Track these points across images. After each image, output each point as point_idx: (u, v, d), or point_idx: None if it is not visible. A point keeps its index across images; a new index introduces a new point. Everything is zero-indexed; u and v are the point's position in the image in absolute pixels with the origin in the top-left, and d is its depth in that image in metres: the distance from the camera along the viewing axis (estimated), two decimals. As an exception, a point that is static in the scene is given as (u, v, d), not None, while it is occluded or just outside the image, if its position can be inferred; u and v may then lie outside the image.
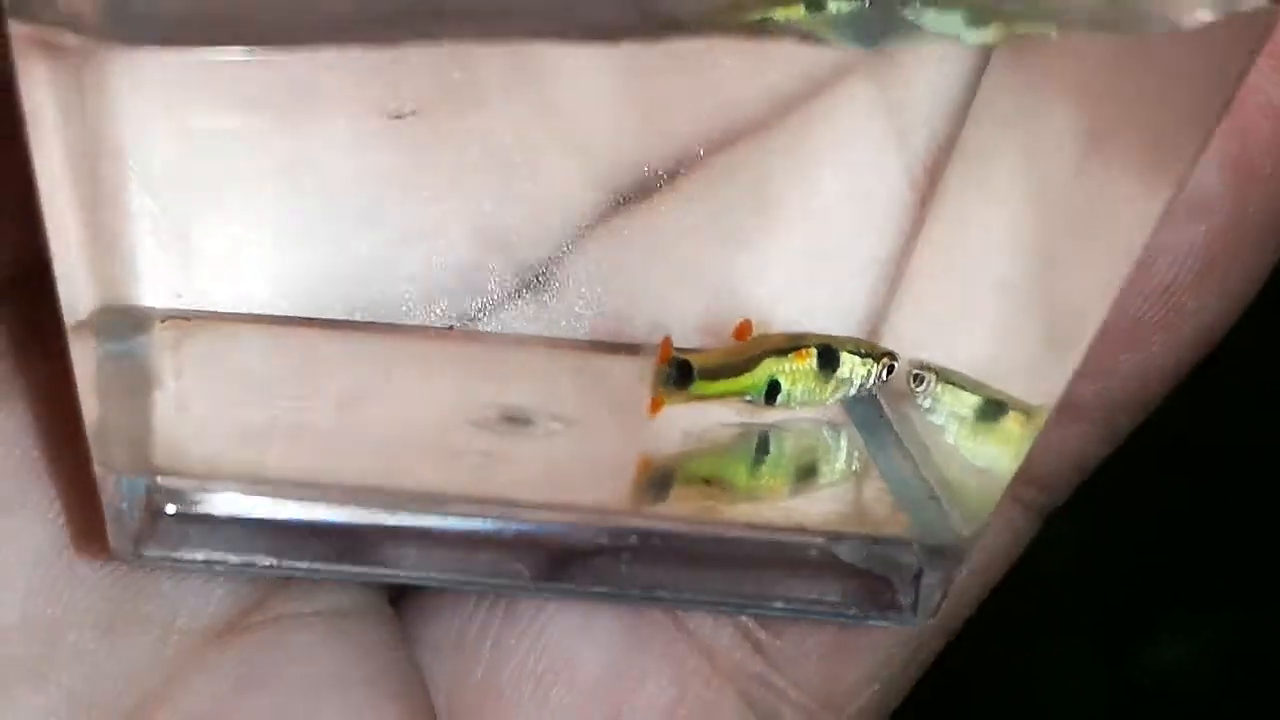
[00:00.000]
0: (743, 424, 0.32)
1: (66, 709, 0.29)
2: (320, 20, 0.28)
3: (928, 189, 0.32)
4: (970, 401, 0.31)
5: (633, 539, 0.28)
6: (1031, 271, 0.30)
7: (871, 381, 0.32)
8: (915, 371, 0.31)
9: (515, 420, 0.31)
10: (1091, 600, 0.68)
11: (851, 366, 0.31)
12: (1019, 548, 0.33)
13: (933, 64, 0.31)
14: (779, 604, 0.29)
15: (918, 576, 0.29)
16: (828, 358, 0.31)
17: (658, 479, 0.31)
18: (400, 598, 0.32)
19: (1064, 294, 0.29)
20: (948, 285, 0.32)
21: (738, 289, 0.32)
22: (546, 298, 0.32)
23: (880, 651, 0.33)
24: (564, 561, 0.28)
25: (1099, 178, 0.28)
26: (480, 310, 0.32)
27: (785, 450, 0.32)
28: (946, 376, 0.31)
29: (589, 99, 0.30)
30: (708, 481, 0.31)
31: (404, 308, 0.31)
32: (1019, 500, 0.32)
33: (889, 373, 0.32)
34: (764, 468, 0.32)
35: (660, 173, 0.31)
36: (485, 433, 0.30)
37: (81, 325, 0.26)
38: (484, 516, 0.28)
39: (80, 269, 0.26)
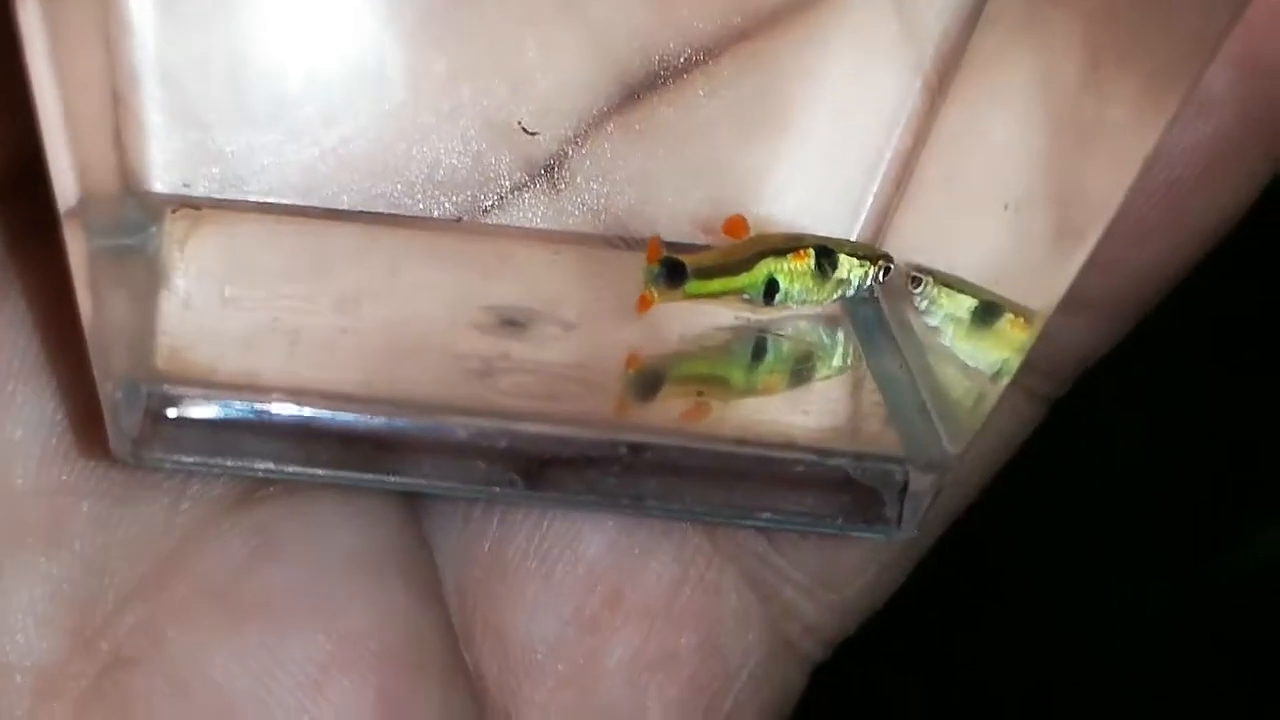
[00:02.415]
0: (740, 324, 0.32)
1: (81, 574, 0.30)
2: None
3: (938, 92, 0.32)
4: (966, 304, 0.31)
5: (623, 450, 0.29)
6: (1037, 178, 0.29)
7: (868, 283, 0.32)
8: (913, 274, 0.32)
9: (514, 324, 0.31)
10: (1164, 504, 0.68)
11: (849, 268, 0.32)
12: (1023, 433, 0.34)
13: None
14: (766, 515, 0.29)
15: (904, 489, 0.29)
16: (826, 258, 0.31)
17: (648, 377, 0.31)
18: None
19: (1068, 201, 0.29)
20: (954, 189, 0.32)
21: (745, 186, 0.33)
22: (556, 190, 0.32)
23: None
24: (555, 470, 0.29)
25: (1107, 86, 0.28)
26: (489, 203, 0.32)
27: (782, 351, 0.32)
28: (944, 279, 0.31)
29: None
30: (702, 380, 0.32)
31: (412, 199, 0.32)
32: (1022, 387, 0.32)
33: (885, 274, 0.32)
34: (761, 368, 0.32)
35: (672, 66, 0.31)
36: (483, 336, 0.31)
37: (75, 215, 0.26)
38: (478, 423, 0.29)
39: (71, 151, 0.26)
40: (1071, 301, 0.29)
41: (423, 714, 0.30)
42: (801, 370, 0.32)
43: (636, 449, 0.29)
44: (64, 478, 0.30)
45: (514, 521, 0.33)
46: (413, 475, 0.29)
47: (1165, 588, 0.68)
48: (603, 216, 0.32)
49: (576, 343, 0.31)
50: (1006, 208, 0.29)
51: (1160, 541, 0.68)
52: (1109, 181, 0.27)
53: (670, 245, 0.31)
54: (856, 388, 0.31)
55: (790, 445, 0.29)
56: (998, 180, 0.30)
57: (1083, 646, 0.68)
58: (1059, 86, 0.29)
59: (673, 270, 0.30)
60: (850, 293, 0.32)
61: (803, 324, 0.33)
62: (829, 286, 0.32)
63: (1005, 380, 0.28)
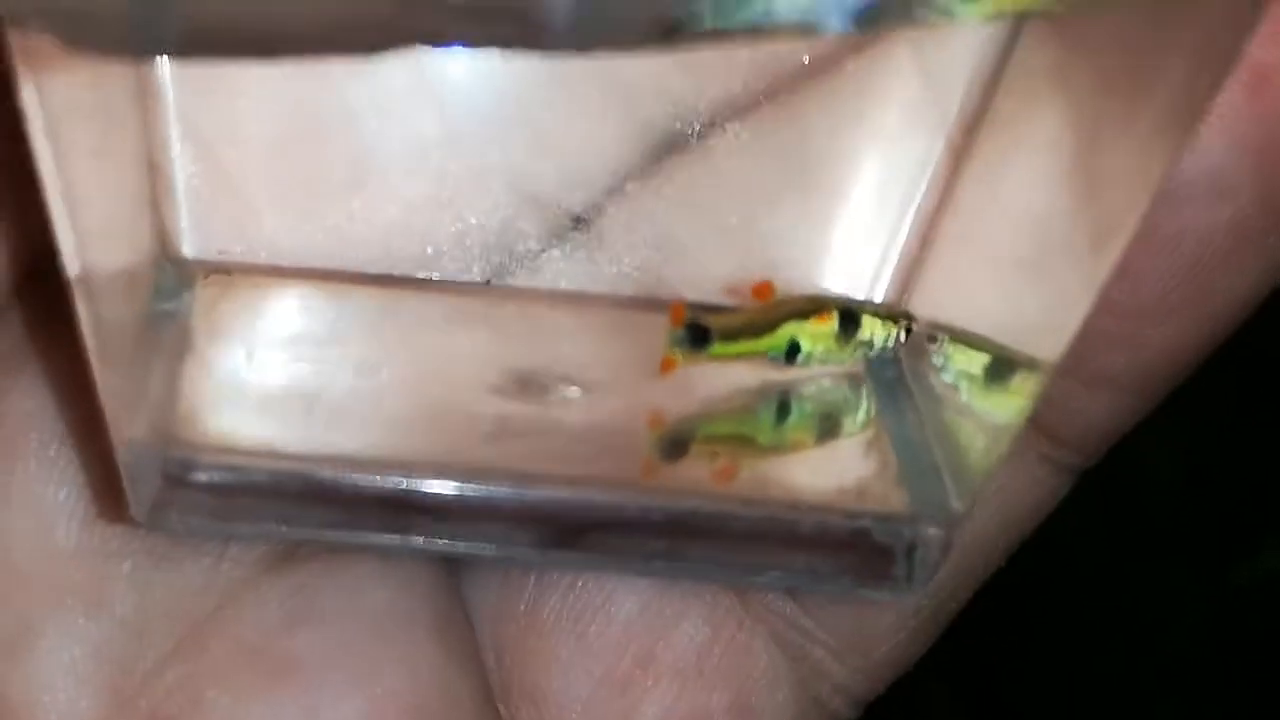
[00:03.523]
0: (762, 384, 0.32)
1: (121, 634, 0.30)
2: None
3: (961, 151, 0.32)
4: (980, 360, 0.31)
5: (631, 513, 0.29)
6: (1054, 233, 0.29)
7: (891, 343, 0.32)
8: (930, 333, 0.32)
9: (534, 386, 0.31)
10: (1192, 514, 0.67)
11: (872, 329, 0.32)
12: (1049, 504, 0.34)
13: (968, 30, 0.30)
14: (774, 574, 0.30)
15: (911, 549, 0.29)
16: (849, 320, 0.32)
17: (673, 439, 0.32)
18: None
19: (1081, 252, 0.29)
20: (975, 246, 0.32)
21: (769, 246, 0.33)
22: (582, 252, 0.32)
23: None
24: (568, 533, 0.29)
25: (1116, 139, 0.28)
26: (516, 266, 0.32)
27: (806, 410, 0.32)
28: (959, 336, 0.31)
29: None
30: (726, 441, 0.32)
31: (440, 264, 0.32)
32: (1049, 459, 0.32)
33: (908, 334, 0.32)
34: (785, 427, 0.32)
35: (697, 126, 0.31)
36: (503, 400, 0.31)
37: (82, 281, 0.26)
38: (494, 487, 0.29)
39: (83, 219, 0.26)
40: (1096, 378, 0.29)
41: None
42: (825, 428, 0.33)
43: (644, 511, 0.29)
44: (106, 539, 0.30)
45: (549, 582, 0.33)
46: (431, 537, 0.29)
47: (1193, 606, 0.68)
48: (629, 278, 0.32)
49: (596, 405, 0.31)
50: (1018, 266, 0.29)
51: (1187, 557, 0.67)
52: (1115, 229, 0.27)
53: (693, 305, 0.31)
54: (870, 447, 0.32)
55: (798, 505, 0.29)
56: (1017, 236, 0.30)
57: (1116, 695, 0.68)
58: (1075, 143, 0.29)
59: (697, 333, 0.31)
60: (872, 353, 0.32)
61: (825, 382, 0.33)
62: (851, 347, 0.32)
63: (1012, 434, 0.28)
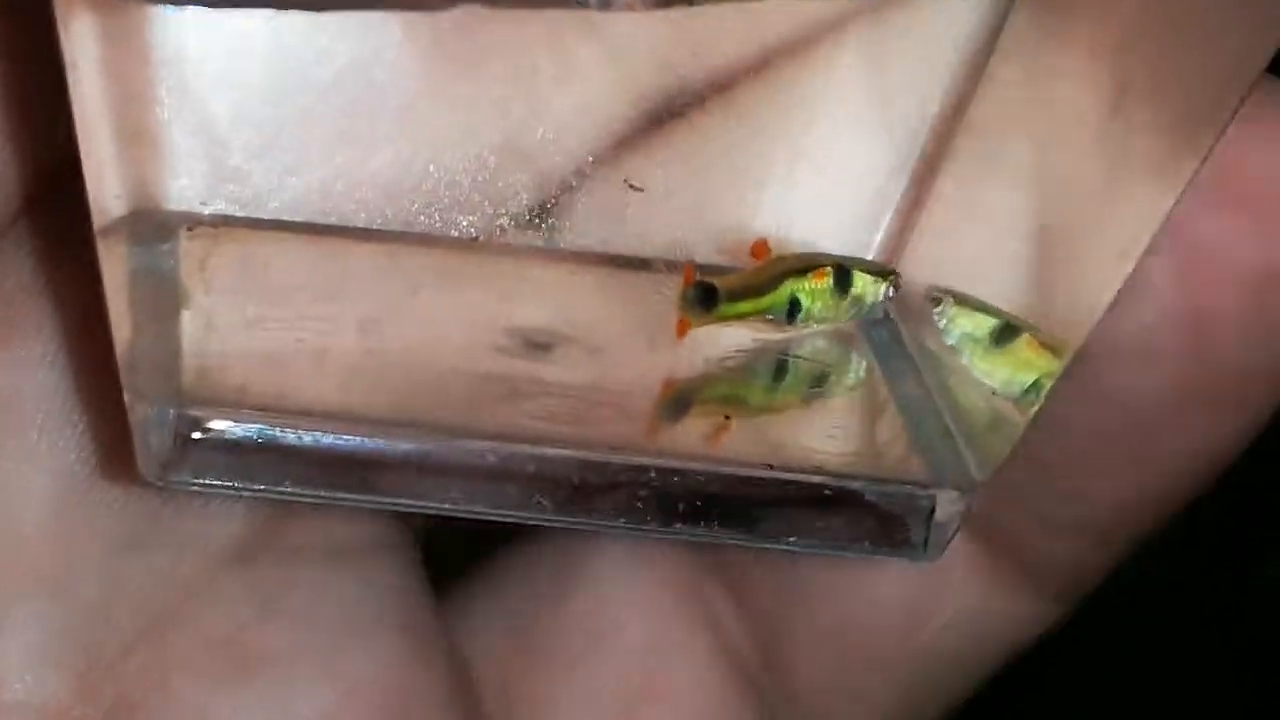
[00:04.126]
0: (761, 345, 0.32)
1: (84, 621, 0.30)
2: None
3: (954, 117, 0.32)
4: (985, 324, 0.31)
5: (651, 474, 0.29)
6: (1054, 207, 0.30)
7: (881, 298, 0.32)
8: (933, 295, 0.32)
9: (538, 346, 0.31)
10: (1207, 516, 0.68)
11: (864, 284, 0.32)
12: (1033, 634, 0.35)
13: None
14: (792, 539, 0.29)
15: (930, 514, 0.30)
16: (843, 276, 0.32)
17: (677, 400, 0.32)
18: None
19: (1090, 233, 0.29)
20: (969, 215, 0.32)
21: (757, 214, 0.33)
22: (573, 210, 0.32)
23: None
24: (583, 494, 0.29)
25: (1135, 116, 0.28)
26: (506, 222, 0.32)
27: (801, 371, 0.33)
28: (962, 298, 0.32)
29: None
30: (726, 402, 0.32)
31: (429, 219, 0.32)
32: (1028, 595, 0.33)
33: (895, 290, 0.32)
34: (781, 387, 0.33)
35: (691, 90, 0.31)
36: (508, 359, 0.31)
37: (111, 233, 0.26)
38: (505, 447, 0.29)
39: (112, 169, 0.26)
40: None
41: None
42: (819, 388, 0.33)
43: (664, 473, 0.29)
44: (73, 525, 0.30)
45: (552, 617, 0.34)
46: (440, 500, 0.29)
47: (1210, 609, 0.69)
48: (620, 238, 0.32)
49: (602, 366, 0.31)
50: (1027, 238, 0.30)
51: (1202, 559, 0.68)
52: (1135, 217, 0.27)
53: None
54: (879, 412, 0.32)
55: (817, 470, 0.29)
56: (1013, 207, 0.31)
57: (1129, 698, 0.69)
58: (1081, 114, 0.29)
59: (706, 294, 0.30)
60: (864, 310, 0.32)
61: (820, 342, 0.33)
62: (846, 304, 0.32)
63: (1035, 406, 0.29)
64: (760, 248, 0.31)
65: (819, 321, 0.32)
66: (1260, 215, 0.27)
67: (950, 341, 0.31)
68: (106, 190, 0.25)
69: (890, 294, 0.32)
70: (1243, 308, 0.28)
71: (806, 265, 0.32)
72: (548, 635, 0.34)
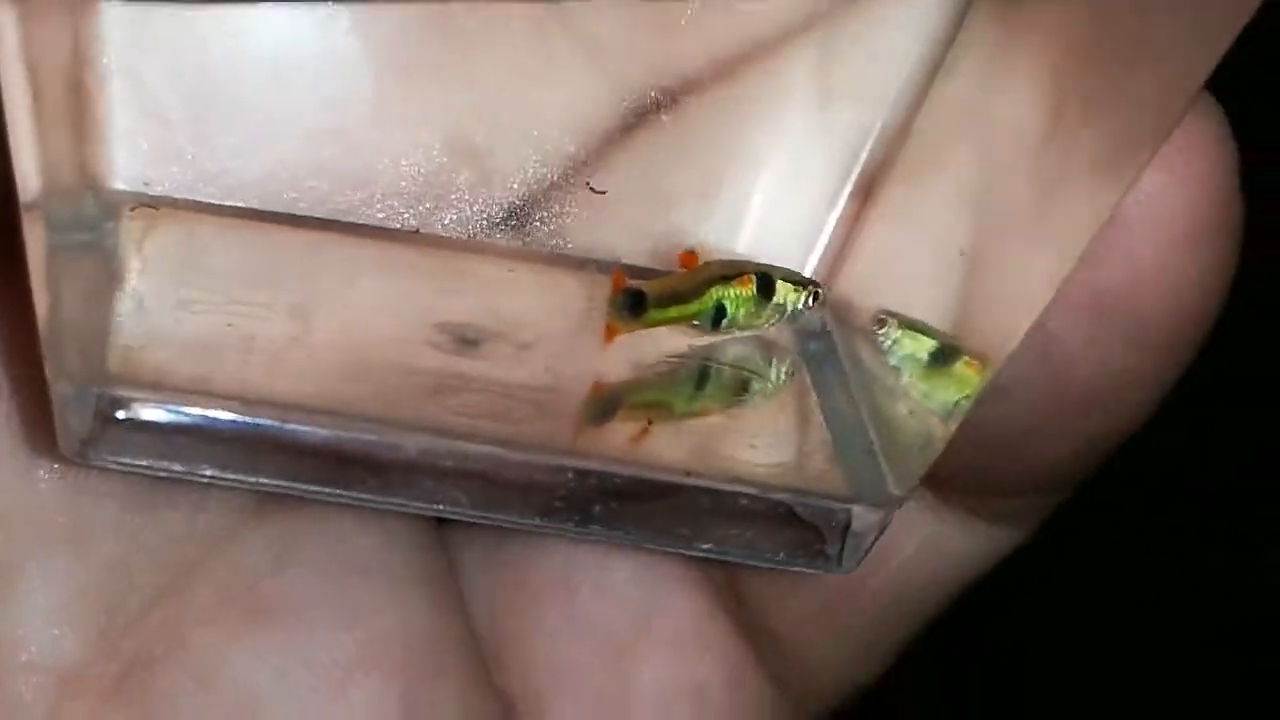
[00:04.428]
0: (687, 351, 0.33)
1: (104, 578, 0.30)
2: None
3: (898, 135, 0.32)
4: (927, 345, 0.31)
5: (569, 475, 0.29)
6: (993, 228, 0.30)
7: (801, 307, 0.32)
8: (879, 316, 0.32)
9: (468, 342, 0.31)
10: (1198, 509, 0.68)
11: (785, 293, 0.32)
12: (991, 559, 0.35)
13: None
14: (706, 546, 0.30)
15: (846, 528, 0.30)
16: (765, 284, 0.32)
17: (605, 403, 0.32)
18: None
19: (1022, 254, 0.29)
20: (908, 232, 0.32)
21: (694, 224, 0.33)
22: (516, 209, 0.32)
23: None
24: (501, 490, 0.29)
25: (1072, 138, 0.28)
26: (450, 218, 0.32)
27: (724, 379, 0.33)
28: (907, 321, 0.32)
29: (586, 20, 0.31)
30: (650, 406, 0.32)
31: (371, 209, 0.32)
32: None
33: (815, 299, 0.32)
34: (703, 395, 0.33)
35: (640, 101, 0.31)
36: (438, 353, 0.31)
37: (34, 209, 0.26)
38: (427, 440, 0.29)
39: (37, 147, 0.26)
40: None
41: (444, 717, 0.31)
42: (742, 396, 0.33)
43: (581, 475, 0.29)
44: (88, 481, 0.30)
45: (541, 550, 0.33)
46: (359, 490, 0.29)
47: (1197, 601, 0.69)
48: (561, 238, 0.32)
49: (529, 364, 0.31)
50: (961, 253, 0.30)
51: (1194, 552, 0.68)
52: (1064, 238, 0.27)
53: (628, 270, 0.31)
54: (804, 423, 0.32)
55: (735, 479, 0.29)
56: (952, 223, 0.31)
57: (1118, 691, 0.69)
58: (1021, 132, 0.29)
59: (635, 300, 0.31)
60: (785, 318, 0.32)
61: (742, 349, 0.33)
62: (769, 312, 0.32)
63: (955, 424, 0.29)
64: (689, 258, 0.32)
65: (743, 328, 0.32)
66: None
67: (893, 362, 0.32)
68: (29, 167, 0.25)
69: (810, 304, 0.32)
70: (1084, 330, 0.29)
71: (731, 272, 0.32)
72: (536, 571, 0.34)
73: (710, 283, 0.32)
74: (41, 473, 0.30)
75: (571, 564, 0.33)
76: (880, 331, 0.31)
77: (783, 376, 0.33)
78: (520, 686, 0.33)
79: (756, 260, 0.32)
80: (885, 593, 0.34)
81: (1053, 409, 0.30)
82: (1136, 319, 0.28)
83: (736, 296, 0.32)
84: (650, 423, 0.31)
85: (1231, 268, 0.29)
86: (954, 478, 0.31)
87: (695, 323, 0.32)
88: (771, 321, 0.32)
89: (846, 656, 0.35)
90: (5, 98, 0.24)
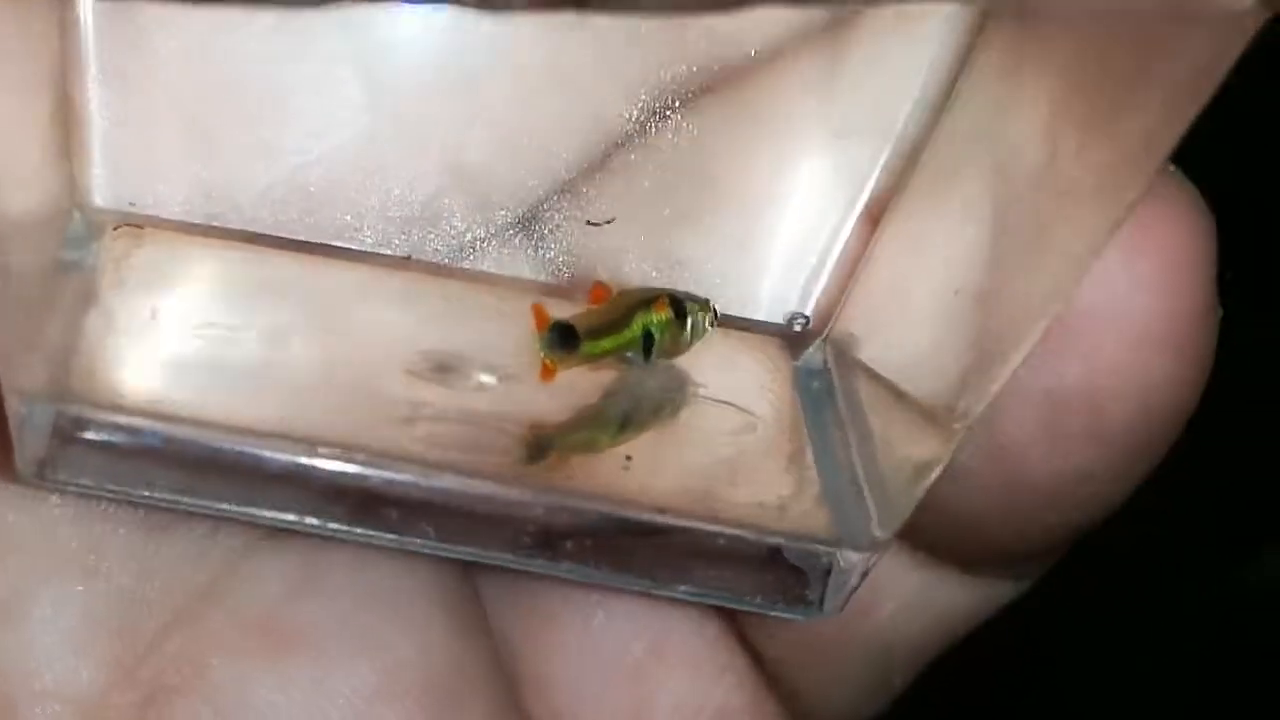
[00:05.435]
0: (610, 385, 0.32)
1: (119, 604, 0.30)
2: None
3: (901, 175, 0.31)
4: None
5: (539, 511, 0.28)
6: (988, 269, 0.29)
7: (707, 328, 0.31)
8: None
9: (446, 370, 0.30)
10: (1197, 515, 0.68)
11: (694, 315, 0.31)
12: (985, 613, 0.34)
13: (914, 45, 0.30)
14: (683, 588, 0.29)
15: (827, 573, 0.29)
16: (678, 307, 0.31)
17: (538, 445, 0.31)
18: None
19: (1010, 302, 0.28)
20: (907, 274, 0.31)
21: (696, 252, 0.32)
22: (508, 235, 0.31)
23: None
24: (470, 524, 0.28)
25: (1065, 177, 0.27)
26: (439, 244, 0.31)
27: (644, 411, 0.32)
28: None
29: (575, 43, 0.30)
30: (576, 448, 0.31)
31: (362, 234, 0.31)
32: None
33: (715, 318, 0.31)
34: (626, 431, 0.32)
35: (640, 120, 0.31)
36: (413, 382, 0.30)
37: None
38: (393, 471, 0.28)
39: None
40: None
41: None
42: (654, 423, 0.32)
43: (552, 510, 0.28)
44: (102, 506, 0.30)
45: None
46: (320, 518, 0.28)
47: (1199, 609, 0.68)
48: (552, 267, 0.32)
49: (511, 396, 0.30)
50: (956, 293, 0.29)
51: (1191, 559, 0.68)
52: (1056, 276, 0.26)
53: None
54: (793, 463, 0.31)
55: (715, 519, 0.28)
56: (959, 259, 0.30)
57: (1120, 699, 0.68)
58: (1024, 164, 0.28)
59: (564, 334, 0.30)
60: (699, 341, 0.31)
61: (662, 378, 0.32)
62: (685, 335, 0.31)
63: (938, 469, 0.28)
64: (601, 290, 0.31)
65: (666, 355, 0.31)
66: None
67: None
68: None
69: (712, 324, 0.31)
70: (1037, 429, 0.28)
71: (648, 297, 0.31)
72: (551, 593, 0.33)
73: (632, 310, 0.31)
74: (54, 498, 0.29)
75: (586, 586, 0.32)
76: None
77: (687, 397, 0.32)
78: (541, 710, 0.33)
79: (663, 288, 0.31)
80: (875, 640, 0.33)
81: (1006, 501, 0.29)
82: (1096, 418, 0.28)
83: (660, 322, 0.31)
84: (629, 458, 0.30)
85: (1205, 365, 0.28)
86: (937, 539, 0.31)
87: (629, 354, 0.31)
88: (692, 346, 0.31)
89: (841, 692, 0.34)
90: None
